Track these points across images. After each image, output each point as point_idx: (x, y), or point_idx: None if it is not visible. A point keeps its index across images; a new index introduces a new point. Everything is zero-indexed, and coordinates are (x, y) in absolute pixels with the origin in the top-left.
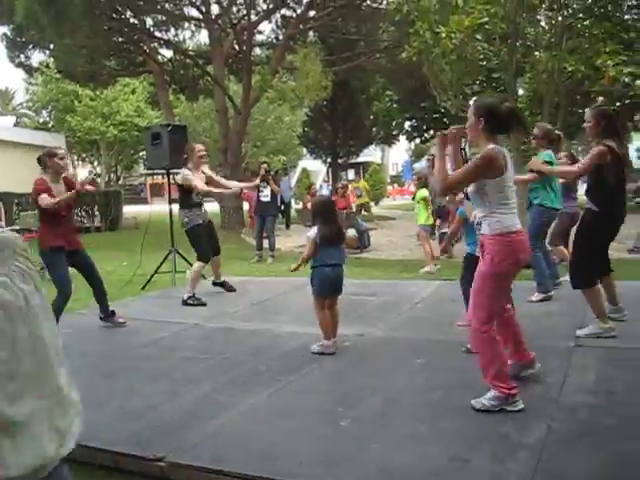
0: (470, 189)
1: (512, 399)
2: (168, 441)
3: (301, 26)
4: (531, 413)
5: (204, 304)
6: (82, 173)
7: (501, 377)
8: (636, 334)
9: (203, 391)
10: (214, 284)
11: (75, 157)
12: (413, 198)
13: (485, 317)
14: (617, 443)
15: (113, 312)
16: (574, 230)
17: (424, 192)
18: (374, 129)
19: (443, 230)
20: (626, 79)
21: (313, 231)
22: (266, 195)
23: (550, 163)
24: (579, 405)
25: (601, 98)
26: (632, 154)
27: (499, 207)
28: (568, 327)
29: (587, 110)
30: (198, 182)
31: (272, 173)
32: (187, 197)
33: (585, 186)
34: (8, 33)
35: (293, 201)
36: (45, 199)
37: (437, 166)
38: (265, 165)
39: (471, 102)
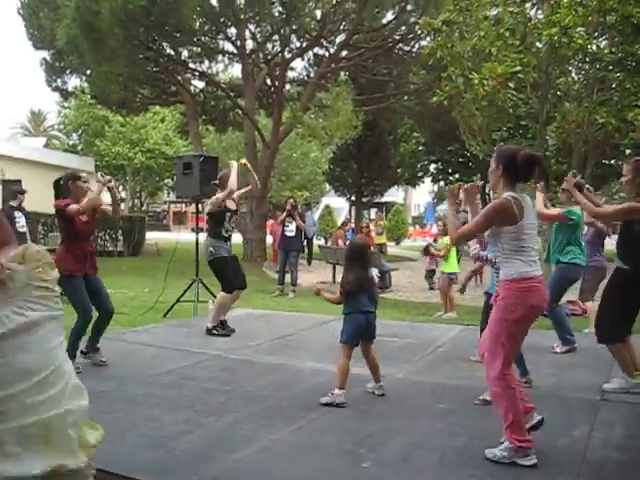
0: (487, 233)
1: (524, 452)
2: (188, 472)
3: (333, 65)
4: (557, 467)
5: (228, 335)
6: (105, 197)
7: (515, 428)
8: None
9: (224, 423)
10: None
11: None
12: (435, 241)
13: (501, 365)
14: None
15: (98, 348)
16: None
17: (447, 239)
18: (399, 170)
19: (431, 267)
20: None
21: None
22: (291, 230)
23: (575, 219)
24: (607, 461)
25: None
26: None
27: (514, 253)
28: (593, 380)
29: (625, 164)
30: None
31: (298, 209)
32: (216, 228)
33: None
34: (48, 58)
35: (315, 237)
36: (73, 207)
37: (448, 218)
38: (292, 200)
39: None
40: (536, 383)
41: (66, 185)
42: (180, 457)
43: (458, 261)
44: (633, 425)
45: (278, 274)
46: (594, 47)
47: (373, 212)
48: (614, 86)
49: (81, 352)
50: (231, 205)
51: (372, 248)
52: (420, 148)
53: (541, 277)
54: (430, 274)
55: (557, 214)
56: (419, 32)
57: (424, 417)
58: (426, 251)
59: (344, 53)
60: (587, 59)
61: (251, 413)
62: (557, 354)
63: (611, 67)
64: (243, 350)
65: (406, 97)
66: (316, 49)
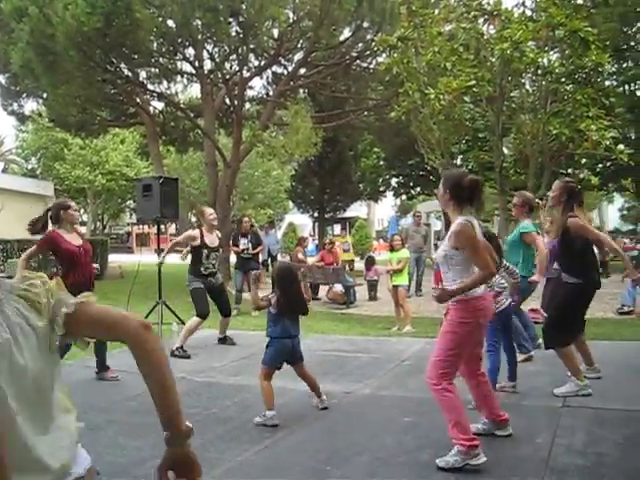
0: (438, 253)
1: (474, 452)
2: None
3: (292, 83)
4: (521, 475)
5: (188, 356)
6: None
7: (460, 429)
8: (623, 395)
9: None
10: (219, 340)
11: None
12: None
13: (439, 373)
14: None
15: (108, 367)
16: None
17: (404, 253)
18: (361, 185)
19: (372, 278)
20: (608, 142)
21: (273, 297)
22: (246, 250)
23: (528, 233)
24: (570, 467)
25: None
26: (614, 215)
27: (465, 273)
28: (554, 387)
29: (557, 181)
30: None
31: (255, 227)
32: (194, 265)
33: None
34: (3, 81)
35: (280, 255)
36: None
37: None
38: (246, 219)
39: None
40: (500, 393)
41: (58, 215)
42: None
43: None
44: (594, 430)
45: (235, 294)
46: (545, 60)
47: (337, 228)
48: (566, 98)
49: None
50: (211, 242)
51: (336, 264)
52: (381, 163)
53: (488, 294)
54: (372, 284)
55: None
56: (376, 49)
57: (390, 431)
58: (369, 262)
59: (302, 71)
60: (539, 72)
61: (217, 435)
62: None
63: (563, 79)
64: (208, 372)
65: (365, 113)
66: (274, 67)
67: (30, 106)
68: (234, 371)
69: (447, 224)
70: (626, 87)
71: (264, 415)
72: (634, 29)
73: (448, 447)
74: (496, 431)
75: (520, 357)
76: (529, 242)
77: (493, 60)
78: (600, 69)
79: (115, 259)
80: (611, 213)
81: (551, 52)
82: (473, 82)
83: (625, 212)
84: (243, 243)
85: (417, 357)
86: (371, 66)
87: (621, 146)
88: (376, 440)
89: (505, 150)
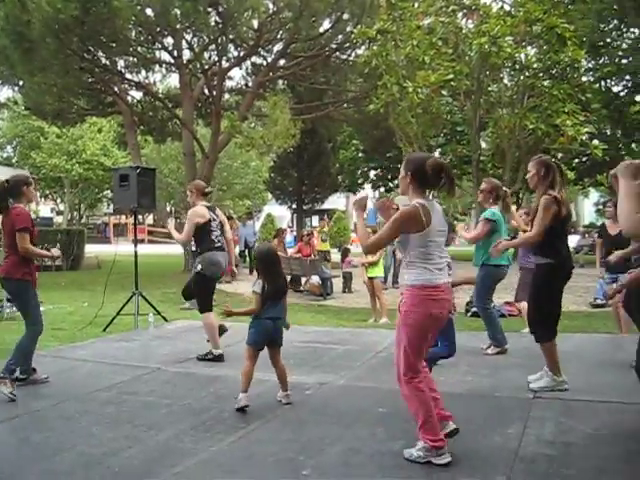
0: (397, 240)
1: (438, 452)
2: None
3: (271, 74)
4: (491, 464)
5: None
6: (44, 210)
7: (427, 428)
8: (593, 386)
9: (165, 437)
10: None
11: (39, 194)
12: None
13: (405, 368)
14: None
15: (34, 369)
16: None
17: None
18: (340, 177)
19: (347, 270)
20: (583, 138)
21: (258, 285)
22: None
23: (494, 221)
24: (538, 457)
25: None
26: (590, 209)
27: (420, 260)
28: (526, 379)
29: (530, 162)
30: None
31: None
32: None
33: None
34: None
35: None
36: (26, 239)
37: (358, 229)
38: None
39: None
40: (473, 384)
41: (20, 189)
42: (119, 473)
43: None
44: (563, 421)
45: None
46: (522, 56)
47: (315, 219)
48: (543, 93)
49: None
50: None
51: (313, 255)
52: (359, 155)
53: (446, 285)
54: (347, 276)
55: (480, 231)
56: (355, 41)
57: (364, 422)
58: (344, 253)
59: (282, 62)
60: (516, 67)
61: (191, 425)
62: (489, 355)
63: (540, 75)
64: (184, 362)
65: (345, 105)
66: (254, 58)
67: (5, 93)
68: (210, 362)
69: None
70: (602, 83)
71: (236, 398)
72: (611, 26)
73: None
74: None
75: (494, 350)
76: (479, 226)
77: (471, 54)
78: (576, 65)
79: (92, 249)
80: (587, 207)
81: (529, 47)
82: (451, 76)
83: (600, 207)
84: None
85: (392, 348)
86: (351, 58)
87: (596, 141)
88: (350, 430)
89: (483, 144)
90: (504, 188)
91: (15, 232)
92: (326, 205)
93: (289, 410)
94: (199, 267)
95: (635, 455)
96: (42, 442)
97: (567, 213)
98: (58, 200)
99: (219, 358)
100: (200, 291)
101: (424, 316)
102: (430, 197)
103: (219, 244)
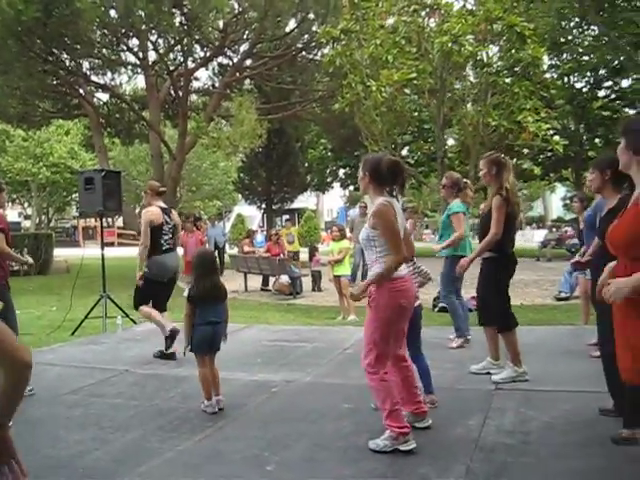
0: (361, 236)
1: (404, 438)
2: None
3: (237, 74)
4: (452, 454)
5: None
6: (11, 214)
7: (393, 417)
8: (553, 376)
9: (131, 438)
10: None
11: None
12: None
13: (373, 360)
14: None
15: None
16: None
17: (345, 243)
18: (308, 176)
19: (316, 269)
20: (544, 134)
21: (187, 290)
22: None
23: (455, 214)
24: (497, 446)
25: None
26: (558, 204)
27: (387, 254)
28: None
29: (482, 160)
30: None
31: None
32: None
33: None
34: None
35: (227, 246)
36: (2, 240)
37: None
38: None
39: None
40: (437, 377)
41: None
42: (85, 475)
43: None
44: (523, 411)
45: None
46: (484, 54)
47: (285, 219)
48: (505, 90)
49: None
50: None
51: (282, 255)
52: (328, 154)
53: (408, 276)
54: (315, 275)
55: (460, 227)
56: (320, 40)
57: (330, 418)
58: (312, 252)
59: (248, 62)
60: (478, 65)
61: (158, 426)
62: (454, 349)
63: (502, 72)
64: (152, 364)
65: (311, 104)
66: (220, 58)
67: None
68: (177, 363)
69: None
70: (565, 79)
71: (202, 403)
72: (572, 24)
73: (384, 431)
74: (415, 423)
75: (458, 342)
76: (456, 222)
77: (434, 53)
78: (537, 62)
79: (61, 253)
80: (554, 202)
81: (490, 46)
82: (414, 74)
83: (567, 201)
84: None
85: (359, 345)
86: (316, 58)
87: (557, 137)
88: (315, 426)
89: (450, 141)
90: (464, 180)
91: None
92: (296, 204)
93: (255, 408)
94: (145, 269)
95: (590, 441)
96: None
97: (515, 210)
98: (25, 204)
99: (171, 356)
100: (139, 290)
101: (393, 307)
102: (395, 195)
103: (167, 246)
